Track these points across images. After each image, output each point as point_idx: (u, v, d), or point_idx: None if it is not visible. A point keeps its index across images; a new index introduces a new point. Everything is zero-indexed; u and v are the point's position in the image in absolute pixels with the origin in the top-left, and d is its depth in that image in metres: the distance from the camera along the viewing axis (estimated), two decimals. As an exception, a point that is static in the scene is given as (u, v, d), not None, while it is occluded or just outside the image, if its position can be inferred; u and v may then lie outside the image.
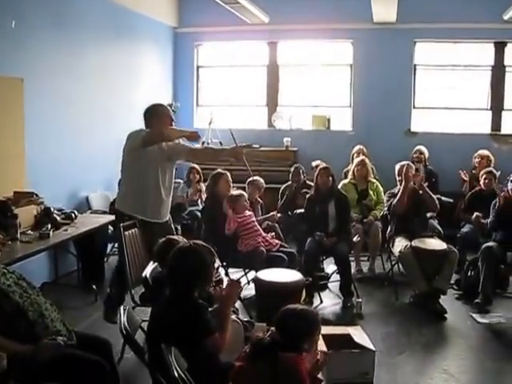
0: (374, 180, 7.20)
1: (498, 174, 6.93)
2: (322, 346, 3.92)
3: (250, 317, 4.98)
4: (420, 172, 6.23)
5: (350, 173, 7.23)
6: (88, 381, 2.86)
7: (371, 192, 7.05)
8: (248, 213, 5.88)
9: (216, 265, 3.43)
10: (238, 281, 3.51)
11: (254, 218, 5.91)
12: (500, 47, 8.85)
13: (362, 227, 6.71)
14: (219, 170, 6.17)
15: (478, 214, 6.42)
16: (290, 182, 7.52)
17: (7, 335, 2.89)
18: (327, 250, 5.98)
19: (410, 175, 6.04)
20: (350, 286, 5.87)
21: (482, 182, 6.81)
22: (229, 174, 6.17)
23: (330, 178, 6.11)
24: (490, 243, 5.74)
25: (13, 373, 2.59)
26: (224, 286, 3.41)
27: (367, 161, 7.25)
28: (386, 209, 6.46)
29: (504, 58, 8.86)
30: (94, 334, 3.63)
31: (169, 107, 5.08)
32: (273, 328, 2.85)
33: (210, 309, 3.23)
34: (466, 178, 7.72)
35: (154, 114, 4.89)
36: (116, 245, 6.14)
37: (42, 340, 2.96)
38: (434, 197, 6.16)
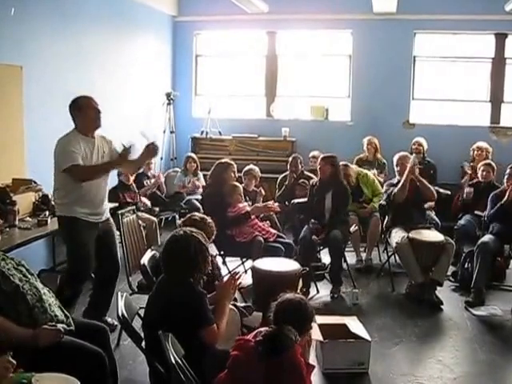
0: (362, 171, 7.11)
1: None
2: (318, 335, 3.97)
3: (246, 304, 5.01)
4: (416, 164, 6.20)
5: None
6: (87, 371, 2.86)
7: (363, 186, 6.98)
8: (241, 205, 5.87)
9: (213, 253, 3.44)
10: (236, 277, 3.51)
11: (248, 209, 5.90)
12: (501, 39, 8.82)
13: (357, 217, 6.71)
14: (227, 160, 6.15)
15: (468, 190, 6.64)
16: (287, 172, 7.52)
17: (9, 318, 2.91)
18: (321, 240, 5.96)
19: (412, 165, 6.00)
20: (338, 272, 5.88)
21: (479, 174, 6.80)
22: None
23: (330, 167, 6.07)
24: (487, 237, 5.75)
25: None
26: (223, 281, 3.42)
27: (350, 166, 7.00)
28: (384, 197, 6.41)
29: (505, 50, 8.83)
30: (92, 321, 3.64)
31: (93, 99, 4.59)
32: (289, 327, 2.85)
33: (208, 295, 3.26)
34: (469, 172, 7.63)
35: (76, 108, 4.51)
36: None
37: (42, 326, 2.97)
38: (430, 186, 6.12)
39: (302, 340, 2.98)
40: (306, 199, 6.39)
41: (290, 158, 7.58)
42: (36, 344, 2.87)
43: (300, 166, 7.48)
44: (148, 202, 7.28)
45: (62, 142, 4.43)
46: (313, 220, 5.93)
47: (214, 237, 4.22)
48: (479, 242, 5.72)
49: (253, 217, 5.81)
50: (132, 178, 7.07)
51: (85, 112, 4.48)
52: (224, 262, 5.74)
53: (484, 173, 6.74)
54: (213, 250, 4.99)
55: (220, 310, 3.28)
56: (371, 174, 7.22)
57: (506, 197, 5.78)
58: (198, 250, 3.22)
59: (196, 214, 4.33)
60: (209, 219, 4.22)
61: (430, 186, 6.12)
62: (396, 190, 6.06)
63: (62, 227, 4.67)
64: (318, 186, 6.16)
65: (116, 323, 4.61)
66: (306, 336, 3.04)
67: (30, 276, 3.20)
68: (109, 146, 4.68)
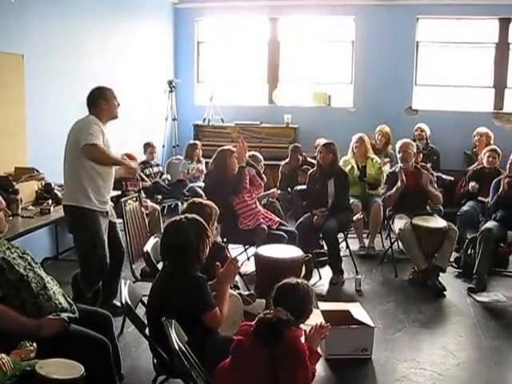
0: (373, 156, 7.09)
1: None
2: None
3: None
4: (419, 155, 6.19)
5: (350, 150, 7.16)
6: (91, 359, 2.87)
7: (370, 168, 6.97)
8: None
9: (213, 240, 3.46)
10: (235, 260, 3.52)
11: (253, 196, 5.88)
12: (504, 24, 8.74)
13: (360, 204, 6.70)
14: (229, 147, 6.07)
15: (473, 185, 6.57)
16: (287, 160, 7.49)
17: (14, 307, 2.93)
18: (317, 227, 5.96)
19: (404, 179, 5.95)
20: (336, 262, 5.87)
21: (485, 160, 6.78)
22: None
23: (331, 155, 6.08)
24: (491, 224, 5.73)
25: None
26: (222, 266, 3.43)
27: (366, 138, 7.14)
28: (382, 191, 6.40)
29: (508, 35, 8.76)
30: (95, 308, 3.65)
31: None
32: (279, 308, 2.86)
33: (210, 282, 3.27)
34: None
35: (102, 96, 4.62)
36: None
37: (47, 316, 2.98)
38: (438, 194, 6.10)
39: (311, 330, 3.02)
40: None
41: (289, 151, 7.51)
42: (40, 334, 2.88)
43: (300, 158, 7.43)
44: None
45: (82, 125, 4.47)
46: (323, 209, 5.93)
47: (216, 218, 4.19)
48: (483, 228, 5.70)
49: (257, 206, 5.79)
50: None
51: (111, 102, 4.63)
52: (227, 249, 5.74)
53: (490, 158, 6.73)
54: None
55: (221, 295, 3.29)
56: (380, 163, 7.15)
57: (502, 188, 5.78)
58: (197, 236, 3.23)
59: (196, 199, 4.33)
60: (209, 202, 4.22)
61: (438, 193, 6.08)
62: (386, 195, 6.12)
63: (75, 219, 4.54)
64: (318, 173, 6.15)
65: None
66: (317, 325, 3.07)
67: (34, 265, 3.21)
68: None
